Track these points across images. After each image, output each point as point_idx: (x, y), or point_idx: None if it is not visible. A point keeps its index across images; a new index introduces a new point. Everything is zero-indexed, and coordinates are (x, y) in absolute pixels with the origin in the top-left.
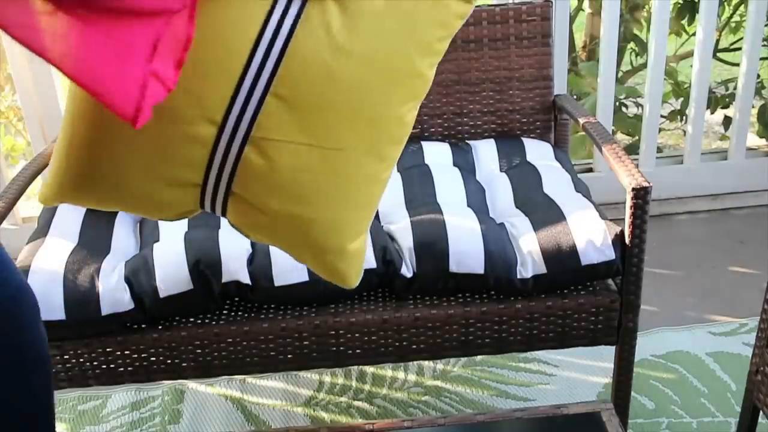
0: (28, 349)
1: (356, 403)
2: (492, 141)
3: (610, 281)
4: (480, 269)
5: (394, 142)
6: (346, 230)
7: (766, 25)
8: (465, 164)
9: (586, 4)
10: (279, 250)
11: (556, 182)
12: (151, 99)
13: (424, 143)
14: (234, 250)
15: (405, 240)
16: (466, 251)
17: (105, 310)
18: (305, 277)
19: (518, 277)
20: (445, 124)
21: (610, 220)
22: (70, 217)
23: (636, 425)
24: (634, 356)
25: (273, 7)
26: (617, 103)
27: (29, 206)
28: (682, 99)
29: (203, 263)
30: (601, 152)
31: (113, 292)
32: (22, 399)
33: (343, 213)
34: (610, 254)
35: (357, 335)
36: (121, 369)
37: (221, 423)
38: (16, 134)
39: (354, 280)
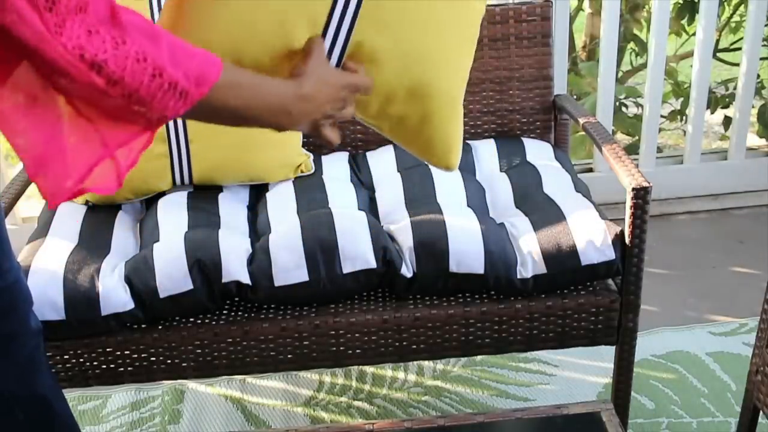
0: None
1: (356, 403)
2: (492, 141)
3: (610, 281)
4: (480, 269)
5: None
6: (456, 73)
7: (766, 25)
8: (465, 164)
9: (586, 4)
10: (280, 249)
11: (556, 182)
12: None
13: None
14: (234, 250)
15: (405, 240)
16: (466, 251)
17: (105, 310)
18: (305, 277)
19: (518, 277)
20: None
21: (610, 220)
22: (70, 217)
23: (636, 425)
24: (634, 356)
25: None
26: (617, 103)
27: (29, 206)
28: (682, 99)
29: (203, 263)
30: (601, 152)
31: (113, 292)
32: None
33: (451, 47)
34: (610, 254)
35: (357, 335)
36: (121, 369)
37: (221, 423)
38: None
39: (456, 157)
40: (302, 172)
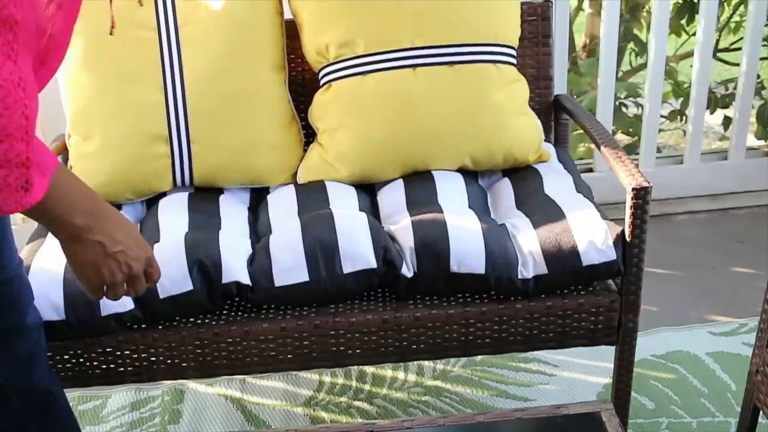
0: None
1: (356, 403)
2: None
3: (610, 281)
4: (481, 269)
5: None
6: None
7: (766, 25)
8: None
9: (586, 4)
10: (280, 249)
11: (557, 183)
12: None
13: None
14: (234, 251)
15: (406, 240)
16: (467, 251)
17: (105, 310)
18: (305, 278)
19: (519, 277)
20: None
21: (610, 220)
22: None
23: (636, 425)
24: (634, 356)
25: None
26: (617, 103)
27: None
28: (682, 99)
29: (204, 264)
30: (601, 152)
31: None
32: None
33: None
34: (612, 255)
35: (357, 335)
36: (121, 369)
37: (221, 423)
38: None
39: None
40: None
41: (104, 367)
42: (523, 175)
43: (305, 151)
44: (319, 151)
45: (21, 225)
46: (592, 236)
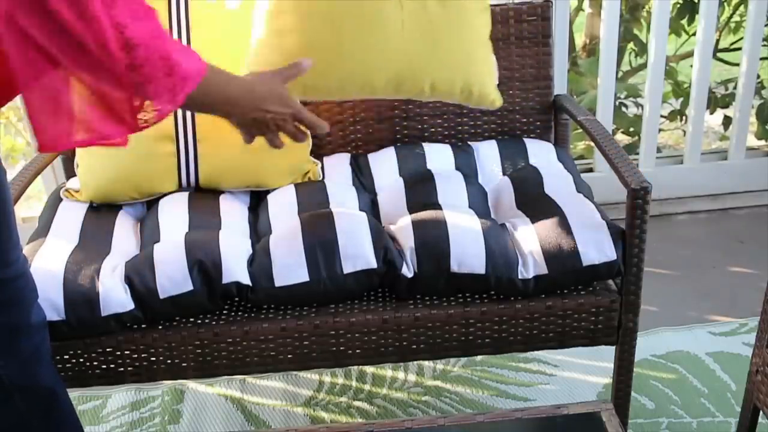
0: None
1: (356, 403)
2: (494, 142)
3: (610, 281)
4: (481, 269)
5: None
6: None
7: (766, 25)
8: (467, 168)
9: (586, 4)
10: (280, 249)
11: (557, 183)
12: None
13: (425, 144)
14: (235, 251)
15: (406, 240)
16: (468, 251)
17: (105, 310)
18: (305, 278)
19: (519, 277)
20: (446, 125)
21: (610, 220)
22: (70, 217)
23: (636, 425)
24: (634, 356)
25: None
26: (617, 103)
27: (29, 206)
28: (682, 99)
29: (204, 264)
30: (601, 152)
31: (113, 292)
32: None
33: None
34: (612, 255)
35: (357, 335)
36: (121, 369)
37: (221, 423)
38: (16, 134)
39: None
40: (310, 179)
41: (104, 367)
42: (523, 175)
43: (311, 154)
44: (269, 52)
45: (21, 225)
46: (592, 236)
